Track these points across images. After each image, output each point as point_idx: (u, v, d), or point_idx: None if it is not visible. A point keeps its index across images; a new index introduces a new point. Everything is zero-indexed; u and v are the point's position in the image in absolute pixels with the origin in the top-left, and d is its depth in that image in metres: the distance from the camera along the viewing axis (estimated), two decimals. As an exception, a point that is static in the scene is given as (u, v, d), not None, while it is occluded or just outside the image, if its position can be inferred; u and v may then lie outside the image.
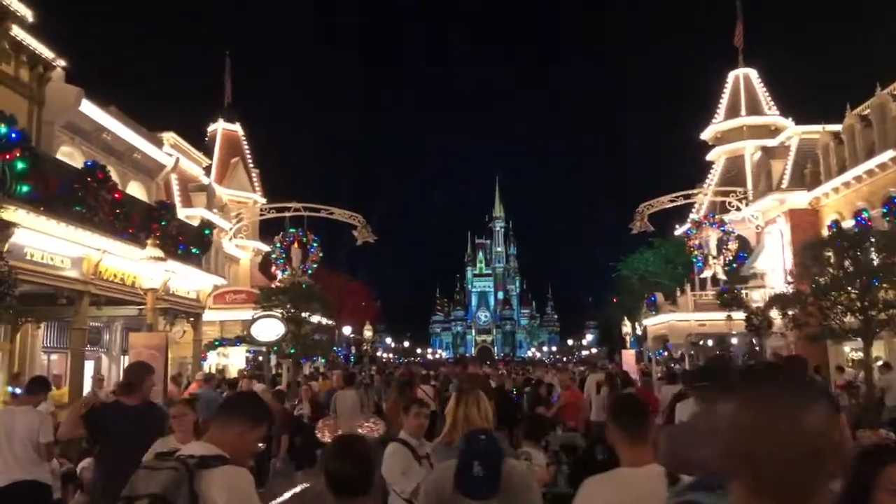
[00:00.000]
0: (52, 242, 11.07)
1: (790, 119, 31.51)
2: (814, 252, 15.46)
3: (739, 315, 20.71)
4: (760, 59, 34.21)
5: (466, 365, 36.65)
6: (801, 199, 26.58)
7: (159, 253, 12.51)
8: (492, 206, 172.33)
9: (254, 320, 20.81)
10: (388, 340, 67.92)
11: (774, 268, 26.33)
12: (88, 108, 18.64)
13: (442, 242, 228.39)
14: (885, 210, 22.24)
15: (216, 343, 25.65)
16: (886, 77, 23.30)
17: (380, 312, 61.63)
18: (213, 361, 25.55)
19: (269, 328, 20.45)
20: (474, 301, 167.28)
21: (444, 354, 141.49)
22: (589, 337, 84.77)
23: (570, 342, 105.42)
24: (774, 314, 18.72)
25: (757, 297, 21.21)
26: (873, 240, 15.16)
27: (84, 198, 11.49)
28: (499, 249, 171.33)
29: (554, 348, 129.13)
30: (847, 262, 14.86)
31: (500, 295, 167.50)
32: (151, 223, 13.60)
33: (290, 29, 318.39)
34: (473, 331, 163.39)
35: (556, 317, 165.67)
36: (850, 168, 24.04)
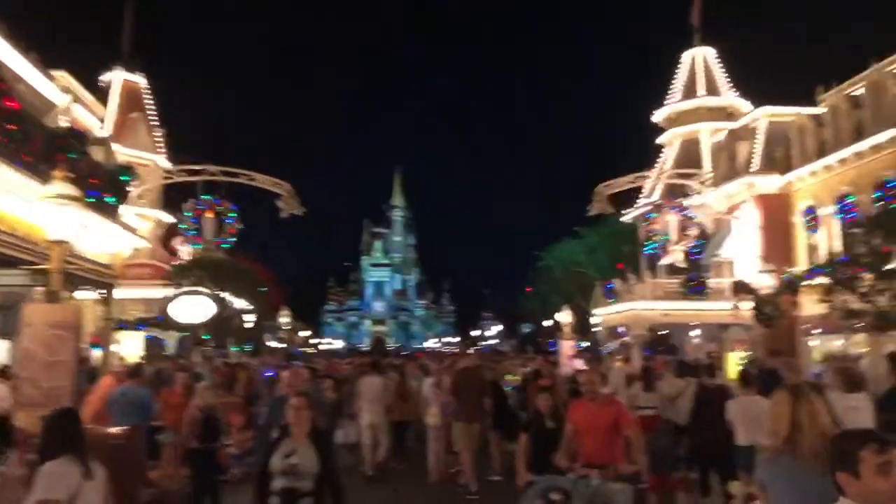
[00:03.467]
0: None
1: (749, 101, 30.12)
2: (868, 233, 13.52)
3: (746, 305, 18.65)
4: (714, 38, 32.47)
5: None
6: (772, 183, 25.02)
7: (72, 190, 8.63)
8: (390, 194, 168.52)
9: (173, 298, 16.87)
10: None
11: (745, 255, 24.64)
12: (-41, 14, 14.14)
13: (337, 229, 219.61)
14: (876, 195, 20.87)
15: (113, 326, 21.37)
16: (870, 54, 21.92)
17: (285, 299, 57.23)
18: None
19: (195, 308, 16.55)
20: (370, 291, 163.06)
21: (340, 344, 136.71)
22: (496, 328, 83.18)
23: (473, 333, 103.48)
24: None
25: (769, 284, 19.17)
26: None
27: (-42, 97, 7.54)
28: (397, 239, 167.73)
29: (453, 339, 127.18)
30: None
31: (398, 285, 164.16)
32: (56, 153, 9.64)
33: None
34: (368, 321, 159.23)
35: (451, 308, 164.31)
36: (832, 151, 22.58)
